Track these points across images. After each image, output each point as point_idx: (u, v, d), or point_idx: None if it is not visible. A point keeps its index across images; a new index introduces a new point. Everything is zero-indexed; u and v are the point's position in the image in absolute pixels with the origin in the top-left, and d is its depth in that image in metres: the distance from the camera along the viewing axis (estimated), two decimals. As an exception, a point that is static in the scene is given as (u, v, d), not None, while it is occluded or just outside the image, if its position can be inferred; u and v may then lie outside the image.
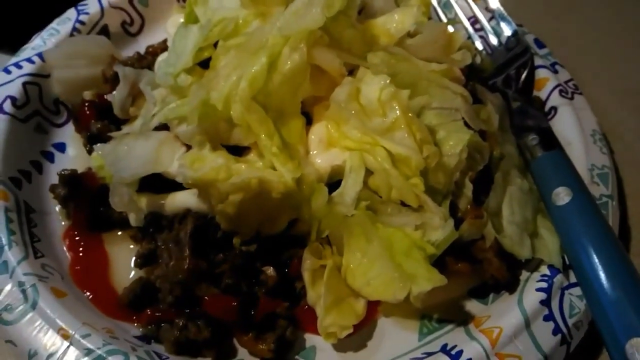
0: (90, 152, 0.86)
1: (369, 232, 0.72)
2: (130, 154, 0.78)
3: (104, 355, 0.66)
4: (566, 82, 0.95)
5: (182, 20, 0.88)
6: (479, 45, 1.01)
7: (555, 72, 0.97)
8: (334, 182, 0.76)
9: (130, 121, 0.87)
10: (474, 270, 0.75)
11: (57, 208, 0.84)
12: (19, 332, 0.68)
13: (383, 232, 0.72)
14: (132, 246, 0.81)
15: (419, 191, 0.72)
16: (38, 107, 0.91)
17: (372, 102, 0.75)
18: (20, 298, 0.70)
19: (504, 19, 1.01)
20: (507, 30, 1.00)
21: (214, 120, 0.75)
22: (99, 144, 0.80)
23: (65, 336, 0.68)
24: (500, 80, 0.95)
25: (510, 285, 0.75)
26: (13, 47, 0.97)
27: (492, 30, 1.01)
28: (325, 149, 0.78)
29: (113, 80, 0.89)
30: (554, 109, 0.92)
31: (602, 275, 0.67)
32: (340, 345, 0.73)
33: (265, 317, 0.73)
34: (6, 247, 0.74)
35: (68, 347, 0.67)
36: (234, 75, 0.74)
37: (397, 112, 0.74)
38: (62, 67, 0.92)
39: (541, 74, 0.96)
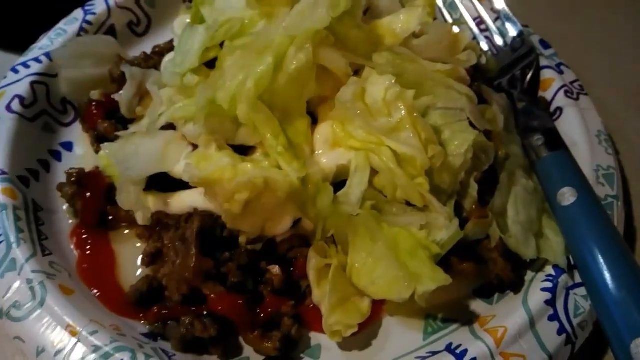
0: (97, 151, 0.86)
1: (374, 231, 0.72)
2: (137, 153, 0.78)
3: (112, 352, 0.66)
4: (572, 83, 0.95)
5: (188, 20, 0.88)
6: (484, 46, 1.01)
7: (561, 72, 0.97)
8: (339, 182, 0.76)
9: (137, 121, 0.87)
10: (478, 270, 0.75)
11: (65, 206, 0.84)
12: (27, 329, 0.69)
13: (388, 231, 0.72)
14: (138, 244, 0.82)
15: (424, 191, 0.73)
16: (46, 107, 0.92)
17: (378, 102, 0.75)
18: (28, 295, 0.71)
19: (509, 19, 1.01)
20: (512, 31, 1.00)
21: (220, 120, 0.76)
22: (106, 143, 0.80)
23: (73, 333, 0.68)
24: (506, 81, 0.95)
25: (515, 285, 0.75)
26: (21, 47, 0.98)
27: (497, 30, 1.01)
28: (330, 148, 0.78)
29: (120, 80, 0.89)
30: (560, 109, 0.92)
31: (607, 275, 0.67)
32: (345, 344, 0.73)
33: (271, 315, 0.73)
34: (14, 245, 0.75)
35: (76, 344, 0.67)
36: (240, 75, 0.74)
37: (403, 112, 0.74)
38: (70, 67, 0.93)
39: (547, 74, 0.96)
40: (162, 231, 0.79)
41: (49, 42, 0.97)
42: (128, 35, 1.05)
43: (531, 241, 0.75)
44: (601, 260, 0.68)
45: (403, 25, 0.85)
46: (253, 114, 0.74)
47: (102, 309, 0.75)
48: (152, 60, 0.96)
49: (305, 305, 0.76)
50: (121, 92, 0.87)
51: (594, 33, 1.17)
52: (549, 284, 0.72)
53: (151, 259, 0.78)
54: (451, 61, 0.83)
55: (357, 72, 0.80)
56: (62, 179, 0.85)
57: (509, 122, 0.85)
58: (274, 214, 0.76)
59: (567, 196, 0.74)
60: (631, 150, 0.98)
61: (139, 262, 0.80)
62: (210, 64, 0.81)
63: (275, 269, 0.76)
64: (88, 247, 0.81)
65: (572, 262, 0.74)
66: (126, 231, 0.83)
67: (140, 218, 0.80)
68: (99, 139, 0.85)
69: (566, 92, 0.93)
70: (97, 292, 0.77)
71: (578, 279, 0.73)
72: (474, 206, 0.76)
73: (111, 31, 1.03)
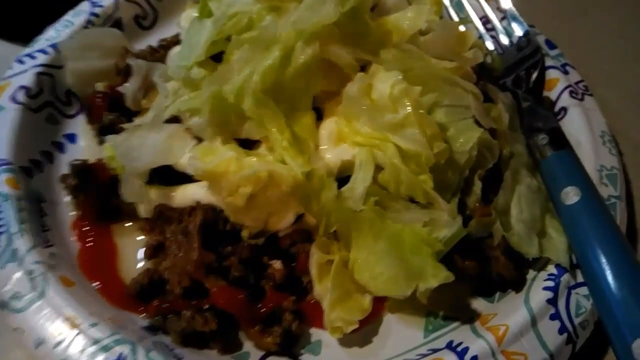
0: (101, 143, 0.86)
1: (377, 227, 0.72)
2: (141, 146, 0.78)
3: (111, 345, 0.66)
4: (576, 83, 0.95)
5: (195, 14, 0.88)
6: (489, 45, 1.01)
7: (566, 73, 0.97)
8: (343, 177, 0.76)
9: (141, 113, 0.87)
10: (481, 268, 0.75)
11: (67, 198, 0.84)
12: (26, 320, 0.69)
13: (391, 228, 0.72)
14: (140, 237, 0.82)
15: (428, 188, 0.72)
16: (50, 98, 0.92)
17: (384, 98, 0.75)
18: (28, 286, 0.71)
19: (515, 19, 1.01)
20: (518, 31, 1.00)
21: (226, 114, 0.76)
22: (110, 135, 0.80)
23: (73, 325, 0.68)
24: (511, 80, 0.95)
25: (517, 283, 0.75)
26: (27, 38, 0.98)
27: (503, 30, 1.01)
28: (335, 144, 0.78)
29: (125, 73, 0.89)
30: (564, 109, 0.92)
31: (609, 274, 0.67)
32: (346, 341, 0.73)
33: (272, 310, 0.73)
34: (16, 236, 0.74)
35: (75, 335, 0.67)
36: (247, 69, 0.75)
37: (408, 108, 0.74)
38: (76, 59, 0.93)
39: (552, 74, 0.96)
40: (165, 224, 0.79)
41: (55, 33, 0.97)
42: (134, 29, 1.05)
43: (534, 240, 0.75)
44: (603, 260, 0.68)
45: (410, 23, 0.85)
46: (259, 108, 0.74)
47: (102, 301, 0.74)
48: (158, 54, 0.96)
49: (306, 301, 0.76)
50: (126, 84, 0.87)
51: (600, 34, 1.17)
52: (550, 283, 0.72)
53: (153, 252, 0.78)
54: (457, 59, 0.83)
55: (364, 68, 0.80)
56: (66, 170, 0.85)
57: (513, 121, 0.85)
58: (277, 209, 0.76)
59: (571, 195, 0.74)
60: (634, 152, 0.98)
61: (141, 255, 0.80)
62: (217, 58, 0.81)
63: (277, 264, 0.76)
64: (90, 239, 0.81)
65: (575, 261, 0.73)
66: (128, 224, 0.83)
67: (143, 211, 0.80)
68: (103, 131, 0.85)
69: (571, 92, 0.93)
70: (98, 285, 0.76)
71: (580, 278, 0.72)
72: (477, 204, 0.76)
73: (118, 24, 1.03)
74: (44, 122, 0.90)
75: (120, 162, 0.77)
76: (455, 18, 1.05)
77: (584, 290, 0.72)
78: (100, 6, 1.01)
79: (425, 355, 0.69)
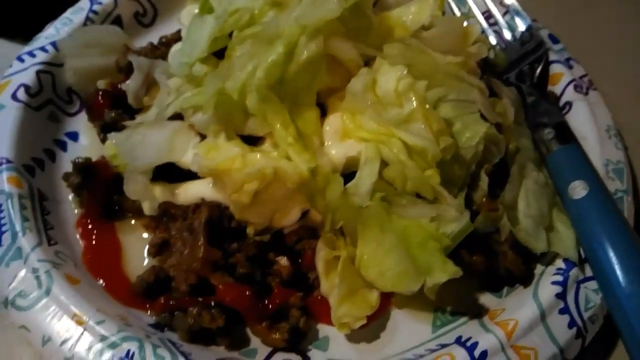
0: (103, 141, 0.85)
1: (383, 223, 0.72)
2: (144, 143, 0.77)
3: (119, 342, 0.66)
4: (581, 78, 0.95)
5: (196, 10, 0.87)
6: (493, 40, 1.00)
7: (570, 67, 0.96)
8: (349, 173, 0.75)
9: (144, 110, 0.86)
10: (488, 263, 0.74)
11: (71, 196, 0.84)
12: (32, 318, 0.68)
13: (398, 223, 0.72)
14: (145, 235, 0.81)
15: (434, 183, 0.72)
16: (51, 96, 0.91)
17: (389, 93, 0.74)
18: (34, 284, 0.70)
19: (518, 13, 1.00)
20: (521, 25, 1.00)
21: (229, 110, 0.75)
22: (113, 133, 0.80)
23: (80, 322, 0.67)
24: (514, 75, 0.94)
25: (525, 278, 0.75)
26: (27, 36, 0.97)
27: (506, 25, 1.00)
28: (340, 140, 0.77)
29: (127, 70, 0.89)
30: (569, 104, 0.91)
31: (618, 268, 0.67)
32: (354, 336, 0.72)
33: (279, 306, 0.73)
34: (20, 234, 0.74)
35: (82, 333, 0.67)
36: (250, 64, 0.74)
37: (414, 103, 0.73)
38: (76, 57, 0.92)
39: (556, 69, 0.95)
40: (169, 222, 0.78)
41: (55, 31, 0.96)
42: (134, 26, 1.04)
43: (541, 234, 0.74)
44: (612, 254, 0.68)
45: (413, 17, 0.85)
46: (262, 104, 0.73)
47: (108, 298, 0.74)
48: (159, 51, 0.95)
49: (313, 297, 0.75)
50: (128, 81, 0.86)
51: (603, 28, 1.16)
52: (559, 277, 0.72)
53: (157, 250, 0.78)
54: (462, 53, 0.83)
55: (368, 63, 0.79)
56: (68, 168, 0.84)
57: (519, 115, 0.84)
58: (283, 205, 0.75)
59: (578, 189, 0.73)
60: (638, 146, 0.97)
61: (145, 252, 0.79)
62: (219, 54, 0.80)
63: (284, 260, 0.75)
64: (94, 237, 0.80)
65: (583, 256, 0.73)
66: (132, 221, 0.82)
67: (147, 208, 0.79)
68: (105, 129, 0.85)
69: (575, 86, 0.93)
70: (103, 282, 0.76)
71: (589, 272, 0.72)
72: (484, 199, 0.75)
73: (117, 21, 1.02)
74: (45, 120, 0.90)
75: (123, 159, 0.76)
76: (458, 13, 1.04)
77: (593, 284, 0.72)
78: (100, 3, 1.00)
79: (434, 351, 0.69)
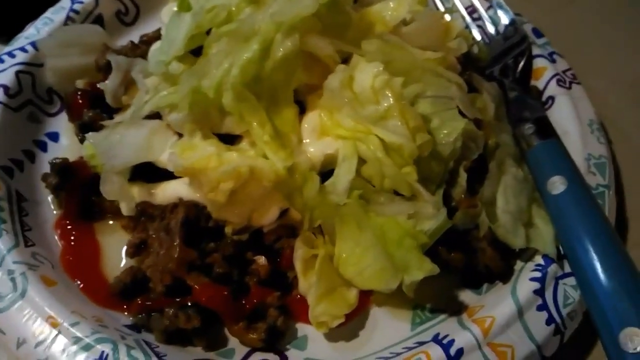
0: (82, 141, 0.85)
1: (361, 221, 0.71)
2: (121, 143, 0.77)
3: (93, 344, 0.66)
4: (564, 72, 0.94)
5: (175, 8, 0.87)
6: (476, 34, 1.00)
7: (553, 61, 0.95)
8: (327, 172, 0.75)
9: (122, 110, 0.86)
10: (467, 260, 0.74)
11: (50, 197, 0.83)
12: (7, 320, 0.68)
13: (375, 221, 0.71)
14: (124, 236, 0.81)
15: (412, 180, 0.72)
16: (31, 96, 0.91)
17: (366, 89, 0.74)
18: (9, 286, 0.70)
19: (501, 7, 1.00)
20: (504, 19, 0.99)
21: (205, 108, 0.75)
22: (90, 133, 0.79)
23: (54, 324, 0.67)
24: (498, 70, 0.94)
25: (504, 275, 0.74)
26: (7, 36, 0.97)
27: (489, 19, 1.00)
28: (318, 137, 0.77)
29: (106, 69, 0.88)
30: (552, 98, 0.91)
31: (596, 264, 0.66)
32: (332, 335, 0.72)
33: (256, 306, 0.72)
34: (-4, 236, 0.74)
35: (57, 335, 0.67)
36: (226, 62, 0.73)
37: (391, 99, 0.73)
38: (56, 56, 0.92)
39: (539, 63, 0.95)
40: (147, 222, 0.78)
41: (35, 31, 0.96)
42: (116, 25, 1.03)
43: (520, 230, 0.74)
44: (591, 250, 0.67)
45: (393, 13, 0.84)
46: (238, 102, 0.73)
47: (85, 300, 0.74)
48: (140, 50, 0.94)
49: (291, 296, 0.75)
50: (107, 81, 0.85)
51: (587, 22, 1.15)
52: (538, 274, 0.71)
53: (136, 250, 0.77)
54: (441, 49, 0.82)
55: (347, 60, 0.79)
56: (48, 169, 0.84)
57: (499, 111, 0.84)
58: (261, 204, 0.75)
59: (557, 185, 0.73)
60: (624, 140, 0.97)
61: (124, 253, 0.79)
62: (197, 52, 0.80)
63: (262, 260, 0.75)
64: (72, 238, 0.80)
65: (562, 252, 0.73)
66: (111, 222, 0.82)
67: (125, 208, 0.79)
68: (83, 129, 0.84)
69: (558, 80, 0.92)
70: (80, 284, 0.76)
71: (568, 268, 0.72)
72: (463, 195, 0.75)
73: (99, 20, 1.01)
74: (25, 120, 0.89)
75: (100, 159, 0.76)
76: (442, 8, 1.03)
77: (572, 280, 0.71)
78: (81, 2, 0.99)
79: (411, 349, 0.69)
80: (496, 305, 0.70)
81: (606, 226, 0.70)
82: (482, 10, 1.01)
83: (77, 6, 0.99)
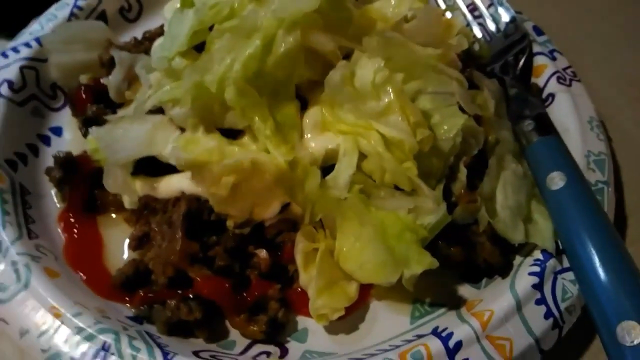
0: (85, 135, 0.86)
1: (362, 215, 0.72)
2: (124, 137, 0.78)
3: (95, 334, 0.66)
4: (564, 69, 0.95)
5: (178, 5, 0.87)
6: (477, 32, 1.00)
7: (554, 59, 0.96)
8: (328, 166, 0.75)
9: (125, 105, 0.87)
10: (467, 255, 0.74)
11: (53, 191, 0.84)
12: (10, 311, 0.69)
13: (376, 215, 0.72)
14: (127, 229, 0.81)
15: (412, 175, 0.72)
16: (35, 91, 0.92)
17: (366, 85, 0.74)
18: (13, 277, 0.71)
19: (502, 5, 1.00)
20: (505, 17, 0.99)
21: (208, 103, 0.75)
22: (94, 127, 0.80)
23: (57, 315, 0.68)
24: (498, 67, 0.94)
25: (503, 269, 0.75)
26: (11, 32, 0.98)
27: (490, 16, 1.00)
28: (319, 132, 0.78)
29: (109, 65, 0.89)
30: (552, 95, 0.91)
31: (594, 259, 0.66)
32: (332, 328, 0.73)
33: (258, 299, 0.73)
34: (0, 228, 0.75)
35: (59, 325, 0.67)
36: (228, 58, 0.74)
37: (391, 95, 0.73)
38: (59, 52, 0.93)
39: (539, 60, 0.95)
40: (150, 215, 0.79)
41: (39, 26, 0.97)
42: (119, 21, 1.04)
43: (519, 225, 0.74)
44: (589, 245, 0.67)
45: (394, 10, 0.85)
46: (241, 97, 0.73)
47: (87, 292, 0.74)
48: (143, 46, 0.95)
49: (292, 289, 0.76)
50: (110, 76, 0.86)
51: (588, 20, 1.16)
52: (536, 268, 0.72)
53: (138, 243, 0.78)
54: (442, 46, 0.83)
55: (348, 56, 0.79)
56: (51, 163, 0.84)
57: (499, 108, 0.84)
58: (262, 198, 0.75)
59: (556, 180, 0.73)
60: (624, 138, 0.97)
61: (126, 246, 0.80)
62: (199, 48, 0.80)
63: (263, 253, 0.76)
64: (75, 230, 0.81)
65: (561, 247, 0.73)
66: (114, 215, 0.83)
67: (128, 202, 0.80)
68: (87, 123, 0.85)
69: (558, 78, 0.92)
70: (83, 276, 0.76)
71: (566, 263, 0.72)
72: (462, 190, 0.75)
73: (102, 17, 1.02)
74: (29, 115, 0.90)
75: (103, 153, 0.77)
76: (442, 5, 1.04)
77: (570, 275, 0.72)
78: (85, -1, 1.00)
79: (410, 341, 0.69)
80: (495, 299, 0.70)
81: (604, 222, 0.70)
82: (483, 7, 1.01)
83: (80, 2, 1.00)
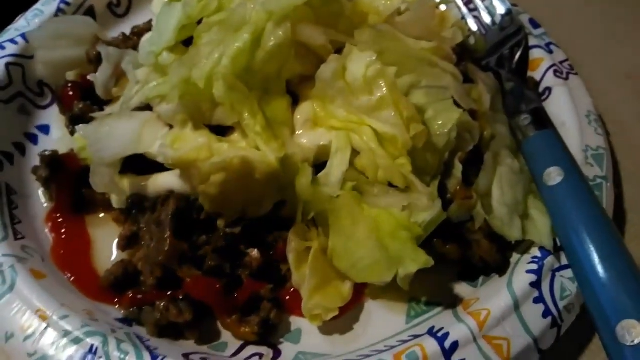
0: (72, 133, 0.84)
1: (355, 213, 0.70)
2: (112, 135, 0.76)
3: (82, 337, 0.65)
4: (561, 63, 0.93)
5: (167, -1, 0.86)
6: (472, 25, 0.98)
7: (550, 52, 0.94)
8: (320, 163, 0.74)
9: (113, 102, 0.85)
10: (463, 253, 0.73)
11: (41, 190, 0.82)
12: (-4, 314, 0.67)
13: (369, 213, 0.71)
14: (114, 229, 0.80)
15: (406, 171, 0.71)
16: (21, 89, 0.90)
17: (358, 79, 0.73)
18: (-2, 279, 0.69)
19: (498, -3, 0.99)
20: (501, 9, 0.98)
21: (196, 99, 0.73)
22: (80, 125, 0.78)
23: (43, 317, 0.66)
24: (494, 60, 0.93)
25: (500, 267, 0.73)
26: (-3, 28, 0.96)
27: (485, 9, 0.99)
28: (311, 128, 0.76)
29: (96, 61, 0.87)
30: (549, 89, 0.90)
31: (593, 256, 0.65)
32: (326, 328, 0.71)
33: (250, 299, 0.71)
34: (-16, 229, 0.73)
35: (46, 328, 0.66)
36: (216, 52, 0.72)
37: (384, 90, 0.71)
38: (46, 48, 0.91)
39: (536, 54, 0.94)
40: (139, 214, 0.77)
41: (25, 23, 0.95)
42: (108, 16, 1.03)
43: (516, 222, 0.73)
44: (587, 242, 0.66)
45: (386, 2, 0.83)
46: (229, 92, 0.71)
47: (75, 293, 0.73)
48: (131, 41, 0.93)
49: (285, 289, 0.74)
50: (97, 73, 0.84)
51: (585, 12, 1.15)
52: (534, 266, 0.70)
53: (127, 243, 0.77)
54: (436, 39, 0.81)
55: (340, 50, 0.77)
56: (39, 162, 0.83)
57: (495, 102, 0.83)
58: (254, 196, 0.74)
59: (554, 176, 0.72)
60: (623, 132, 0.96)
61: (115, 246, 0.78)
62: (188, 43, 0.79)
63: (254, 252, 0.74)
64: (63, 231, 0.79)
65: (559, 244, 0.72)
66: (102, 215, 0.81)
67: (116, 201, 0.78)
68: (74, 121, 0.83)
69: (555, 71, 0.91)
70: (71, 277, 0.75)
71: (565, 260, 0.71)
72: (458, 187, 0.74)
73: (90, 12, 1.01)
74: (15, 113, 0.89)
75: (90, 152, 0.75)
76: (438, -1, 1.02)
77: (568, 273, 0.70)
78: (71, -6, 0.98)
79: (405, 342, 0.68)
80: (492, 298, 0.69)
81: (603, 218, 0.69)
82: (478, 0, 1.00)
83: (68, -2, 0.98)
